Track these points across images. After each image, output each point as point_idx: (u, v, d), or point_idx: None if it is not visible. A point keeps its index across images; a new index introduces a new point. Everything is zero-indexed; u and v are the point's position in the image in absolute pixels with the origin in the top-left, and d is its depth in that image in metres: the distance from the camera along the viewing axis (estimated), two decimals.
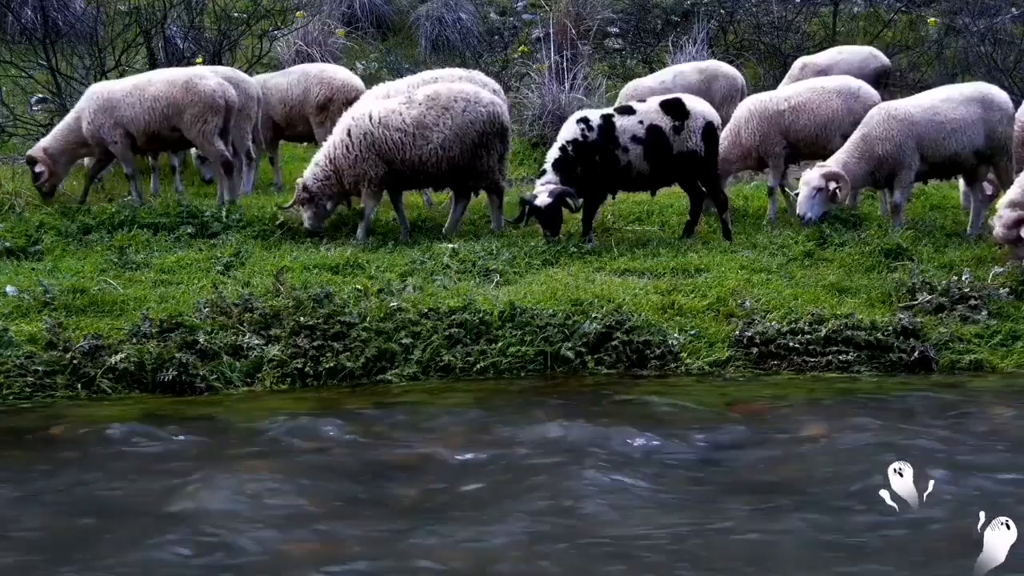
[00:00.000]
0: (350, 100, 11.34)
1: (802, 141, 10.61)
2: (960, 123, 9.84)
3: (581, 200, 9.54)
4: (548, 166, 9.53)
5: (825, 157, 10.31)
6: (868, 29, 18.02)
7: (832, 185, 9.71)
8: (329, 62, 15.58)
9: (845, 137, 10.38)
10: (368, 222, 9.87)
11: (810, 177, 9.79)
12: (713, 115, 9.82)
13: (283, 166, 12.43)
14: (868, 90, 10.85)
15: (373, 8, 18.08)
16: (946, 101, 9.97)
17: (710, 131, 9.70)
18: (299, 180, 9.86)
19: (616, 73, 16.21)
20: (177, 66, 13.41)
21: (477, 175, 9.88)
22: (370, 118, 9.66)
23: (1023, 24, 17.74)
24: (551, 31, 15.55)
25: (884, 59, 14.13)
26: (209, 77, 10.67)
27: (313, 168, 9.83)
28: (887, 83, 14.32)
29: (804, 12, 18.27)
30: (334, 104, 11.65)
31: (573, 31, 15.97)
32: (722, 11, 18.11)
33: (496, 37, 17.99)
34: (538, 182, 9.58)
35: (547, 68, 14.55)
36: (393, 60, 16.46)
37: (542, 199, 9.33)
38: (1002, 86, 11.24)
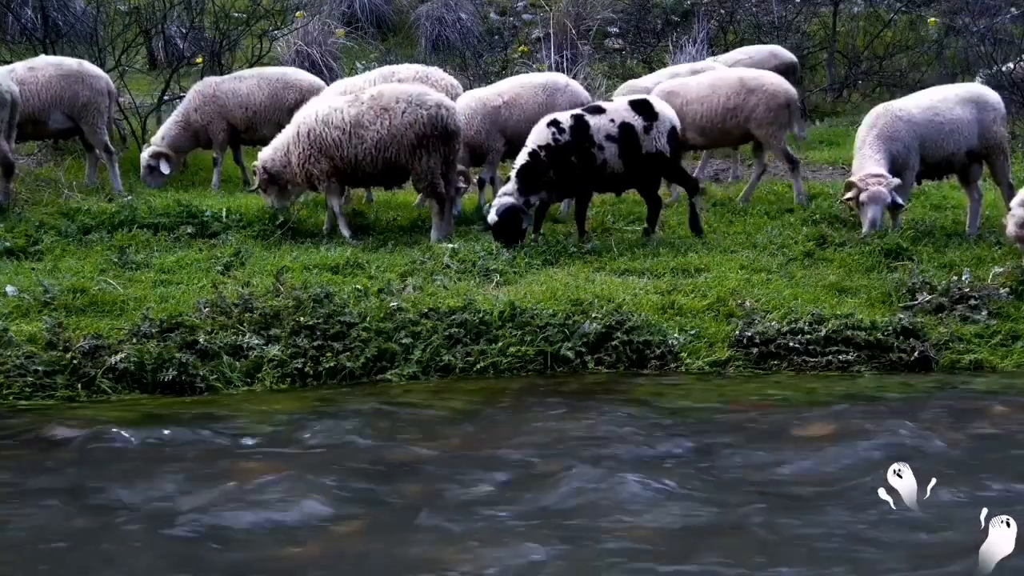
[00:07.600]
0: None
1: (518, 136, 10.27)
2: (957, 123, 9.83)
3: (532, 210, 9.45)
4: (512, 174, 9.49)
5: None
6: (868, 29, 18.03)
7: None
8: (329, 62, 15.59)
9: None
10: (343, 219, 9.92)
11: (881, 194, 9.32)
12: (676, 119, 9.90)
13: None
14: (576, 87, 11.12)
15: (373, 8, 18.11)
16: (943, 101, 9.96)
17: (674, 134, 9.77)
18: (255, 163, 10.04)
19: (616, 73, 16.22)
20: (177, 66, 13.40)
21: (416, 177, 9.74)
22: (316, 116, 9.75)
23: (1023, 24, 17.75)
24: (551, 31, 15.57)
25: (787, 56, 14.20)
26: None
27: (272, 152, 9.97)
28: (800, 79, 14.53)
29: (804, 12, 18.28)
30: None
31: (573, 31, 15.99)
32: (722, 11, 18.11)
33: (496, 37, 18.01)
34: (500, 190, 9.54)
35: (547, 68, 14.56)
36: (393, 60, 16.42)
37: (491, 216, 9.36)
38: (1002, 86, 11.24)
